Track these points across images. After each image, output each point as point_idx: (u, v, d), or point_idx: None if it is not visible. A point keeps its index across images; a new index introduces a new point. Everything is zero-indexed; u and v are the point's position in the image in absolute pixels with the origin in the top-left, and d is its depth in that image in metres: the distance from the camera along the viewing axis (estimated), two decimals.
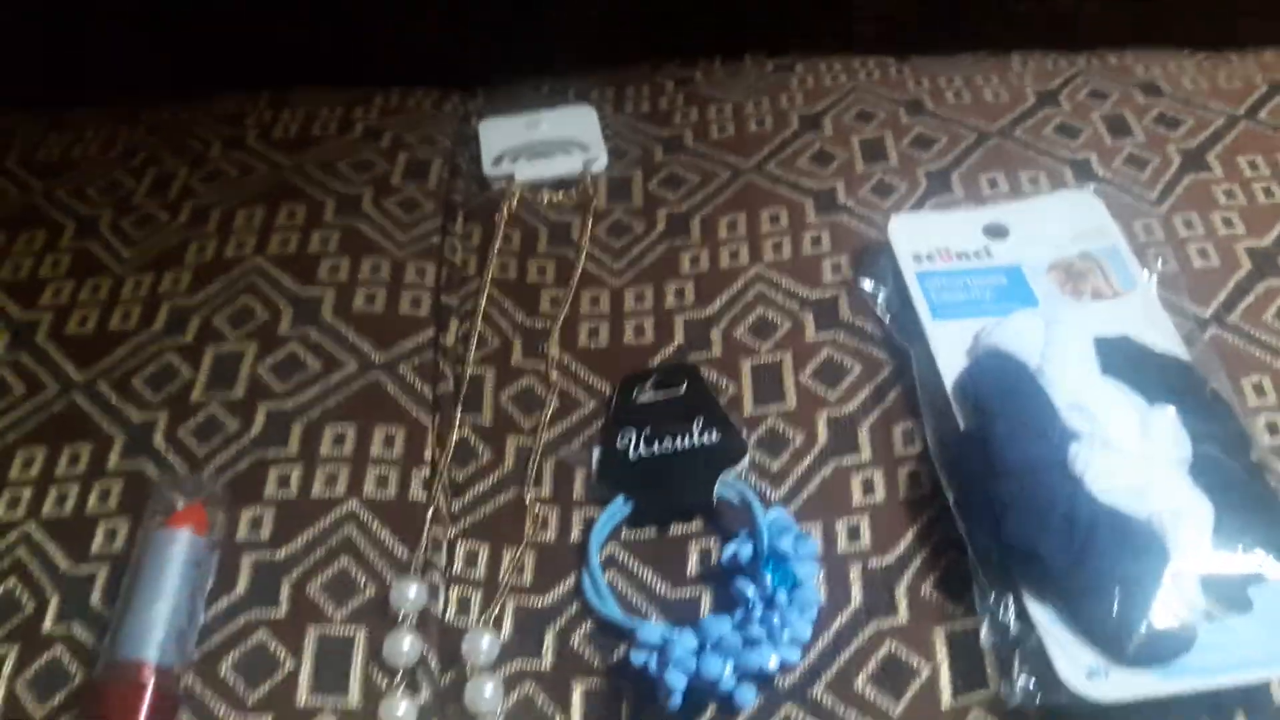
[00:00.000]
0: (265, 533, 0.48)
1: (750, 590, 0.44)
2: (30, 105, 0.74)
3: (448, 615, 0.47)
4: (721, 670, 0.42)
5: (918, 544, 0.47)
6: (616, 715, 0.44)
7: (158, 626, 0.44)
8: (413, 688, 0.44)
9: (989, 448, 0.45)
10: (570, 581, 0.48)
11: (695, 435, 0.50)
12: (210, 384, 0.54)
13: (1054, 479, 0.44)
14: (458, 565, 0.49)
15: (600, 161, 0.64)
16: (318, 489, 0.50)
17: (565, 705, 0.44)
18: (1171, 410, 0.46)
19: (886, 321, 0.53)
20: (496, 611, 0.47)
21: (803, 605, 0.44)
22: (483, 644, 0.45)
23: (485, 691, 0.44)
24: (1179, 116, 0.65)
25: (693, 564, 0.48)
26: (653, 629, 0.43)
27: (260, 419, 0.52)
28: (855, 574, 0.46)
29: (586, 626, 0.46)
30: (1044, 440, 0.45)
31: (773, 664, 0.42)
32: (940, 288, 0.53)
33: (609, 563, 0.48)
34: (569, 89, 0.72)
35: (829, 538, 0.47)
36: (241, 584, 0.47)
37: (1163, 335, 0.50)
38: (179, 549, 0.46)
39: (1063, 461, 0.45)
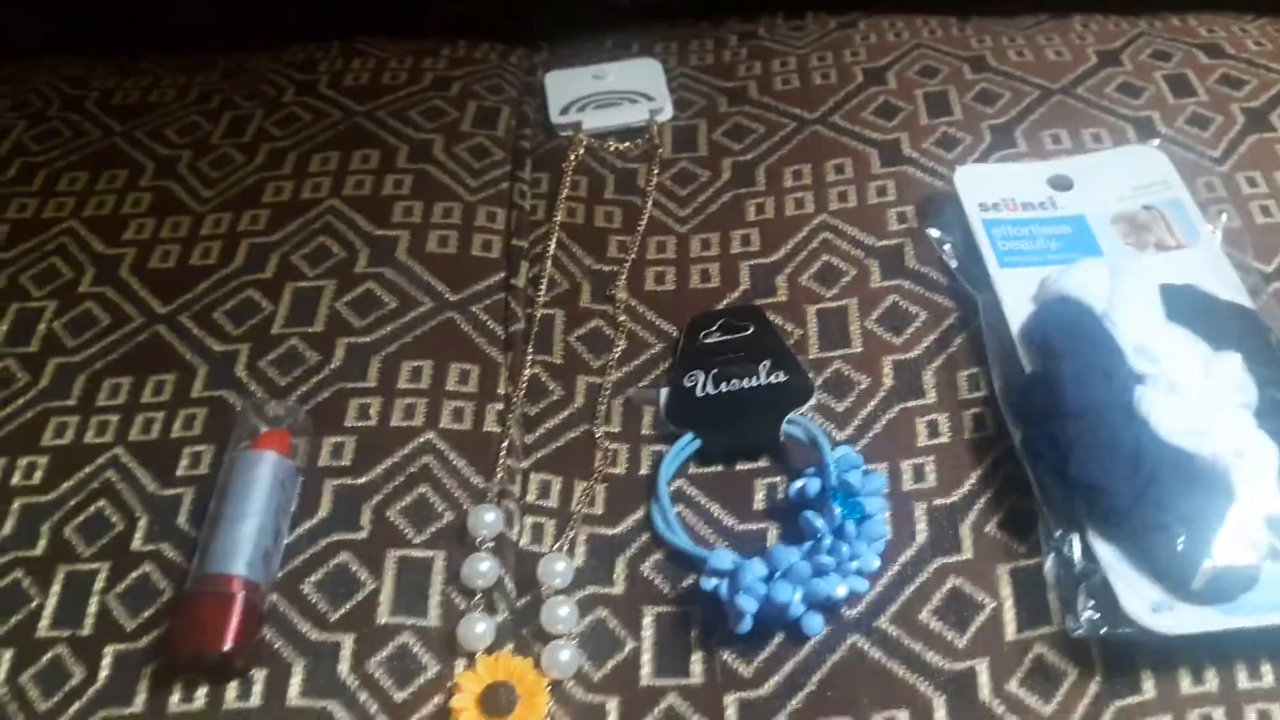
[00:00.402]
0: (346, 460, 0.50)
1: (819, 522, 0.45)
2: (106, 52, 0.76)
3: (522, 542, 0.49)
4: (791, 596, 0.43)
5: (982, 485, 0.48)
6: (685, 640, 0.45)
7: (246, 542, 0.45)
8: (490, 609, 0.46)
9: (1055, 389, 0.46)
10: (640, 514, 0.49)
11: (763, 376, 0.51)
12: (290, 319, 0.55)
13: (1119, 419, 0.45)
14: (531, 495, 0.50)
15: (665, 112, 0.65)
16: (396, 419, 0.51)
17: (636, 629, 0.46)
18: (1237, 356, 0.47)
19: (953, 267, 0.54)
20: (569, 540, 0.48)
21: (870, 537, 0.45)
22: (558, 568, 0.46)
23: (561, 612, 0.45)
24: (1242, 77, 0.65)
25: (759, 500, 0.49)
26: (724, 555, 0.44)
27: (340, 352, 0.54)
28: (920, 512, 0.47)
29: (656, 556, 0.48)
30: (1110, 382, 0.46)
31: (841, 592, 0.43)
32: (1006, 236, 0.54)
33: (677, 497, 0.49)
34: (632, 44, 0.73)
35: (894, 478, 0.48)
36: (324, 508, 0.49)
37: (1227, 286, 0.51)
38: (265, 469, 0.47)
39: (1128, 403, 0.45)
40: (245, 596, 0.44)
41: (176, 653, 0.44)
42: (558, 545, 0.48)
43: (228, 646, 0.43)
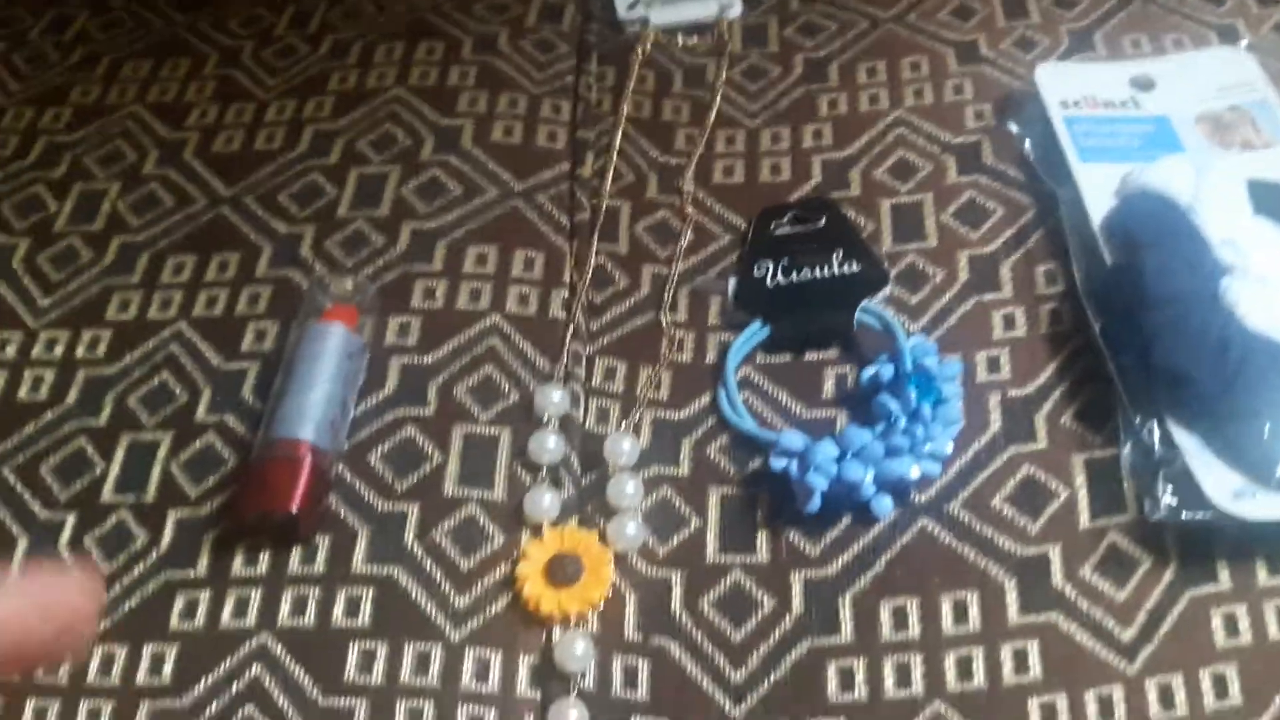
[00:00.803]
0: (412, 339, 0.50)
1: (894, 404, 0.44)
2: None
3: (588, 424, 0.48)
4: (863, 475, 0.42)
5: (1058, 377, 0.47)
6: (751, 520, 0.45)
7: (313, 409, 0.45)
8: (555, 484, 0.46)
9: (1140, 280, 0.45)
10: (706, 399, 0.48)
11: (835, 265, 0.50)
12: (355, 202, 0.55)
13: (1206, 309, 0.44)
14: (597, 378, 0.50)
15: (735, 8, 0.63)
16: (462, 302, 0.51)
17: (701, 508, 0.45)
18: None
19: (1033, 160, 0.53)
20: (635, 421, 0.48)
21: (945, 421, 0.44)
22: (624, 446, 0.46)
23: (628, 486, 0.45)
24: None
25: (828, 388, 0.48)
26: (795, 435, 0.44)
27: (405, 236, 0.53)
28: (994, 403, 0.46)
29: (722, 440, 0.47)
30: (1196, 273, 0.45)
31: (914, 474, 0.43)
32: (1087, 133, 0.53)
33: (743, 384, 0.49)
34: None
35: (968, 369, 0.47)
36: (390, 384, 0.49)
37: None
38: (334, 340, 0.47)
39: (1214, 294, 0.44)
40: (312, 460, 0.44)
41: (243, 516, 0.44)
42: (624, 426, 0.47)
43: (294, 508, 0.43)
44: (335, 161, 0.57)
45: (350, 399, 0.47)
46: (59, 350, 0.51)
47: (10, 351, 0.51)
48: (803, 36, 0.62)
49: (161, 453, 0.48)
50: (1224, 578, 0.41)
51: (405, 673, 0.41)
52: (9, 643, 0.30)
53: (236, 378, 0.50)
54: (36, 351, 0.51)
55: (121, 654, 0.43)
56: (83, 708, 0.41)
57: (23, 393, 0.50)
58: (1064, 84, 0.55)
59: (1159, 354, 0.43)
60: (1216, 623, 0.40)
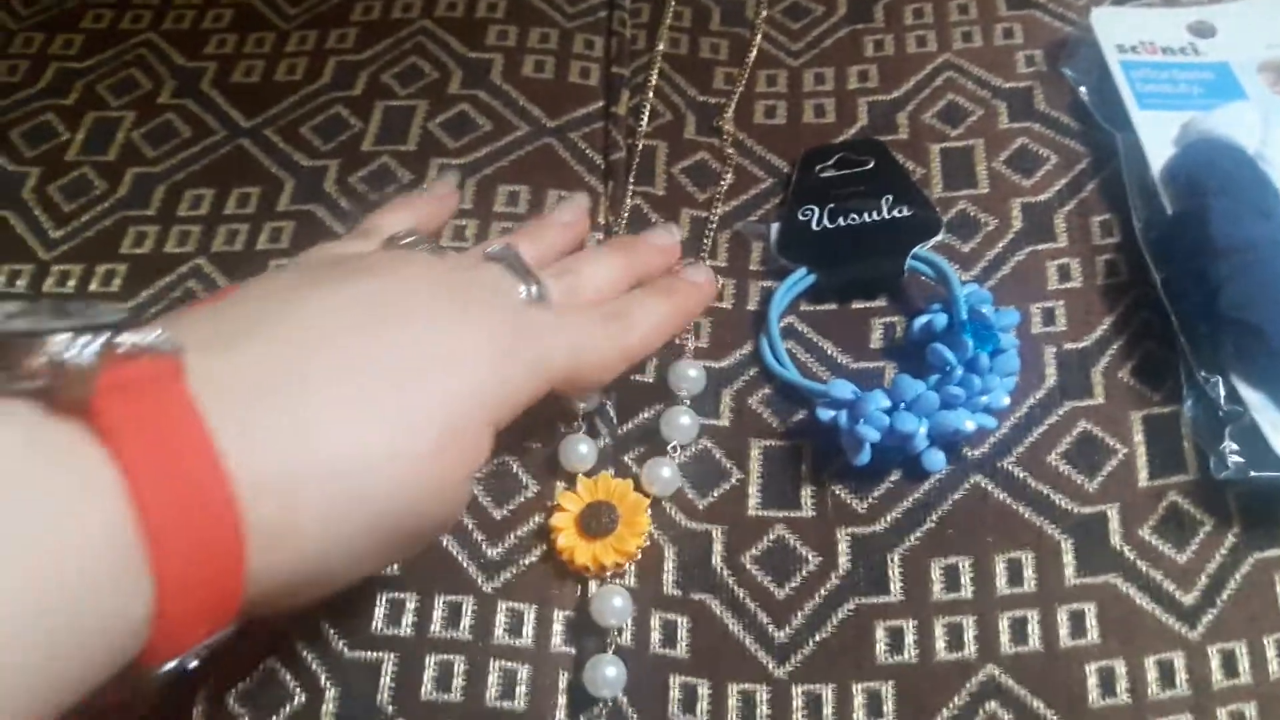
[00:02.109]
0: None
1: (949, 354, 0.42)
2: None
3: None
4: (916, 427, 0.41)
5: (1115, 331, 0.45)
6: (795, 473, 0.43)
7: None
8: (591, 433, 0.44)
9: (1205, 228, 0.43)
10: (747, 348, 0.46)
11: (885, 210, 0.48)
12: (381, 137, 0.53)
13: (1276, 256, 0.42)
14: None
15: None
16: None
17: (743, 461, 0.44)
18: None
19: (1089, 104, 0.50)
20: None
21: (1003, 371, 0.42)
22: (691, 373, 0.45)
23: (683, 420, 0.43)
24: None
25: (875, 338, 0.46)
26: (844, 385, 0.42)
27: (433, 173, 0.51)
28: (1050, 356, 0.44)
29: (764, 391, 0.45)
30: (1267, 220, 0.43)
31: (969, 426, 0.41)
32: (1145, 79, 0.50)
33: (787, 333, 0.47)
34: None
35: (1022, 320, 0.45)
36: None
37: None
38: None
39: None
40: None
41: None
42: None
43: None
44: (359, 93, 0.54)
45: None
46: (72, 284, 0.49)
47: (21, 285, 0.49)
48: None
49: None
50: None
51: (435, 625, 0.40)
52: None
53: None
54: (48, 285, 0.49)
55: None
56: None
57: None
58: (1121, 28, 0.53)
59: (1226, 305, 0.41)
60: None
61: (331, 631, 0.40)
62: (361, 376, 0.31)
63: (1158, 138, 0.48)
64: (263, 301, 0.33)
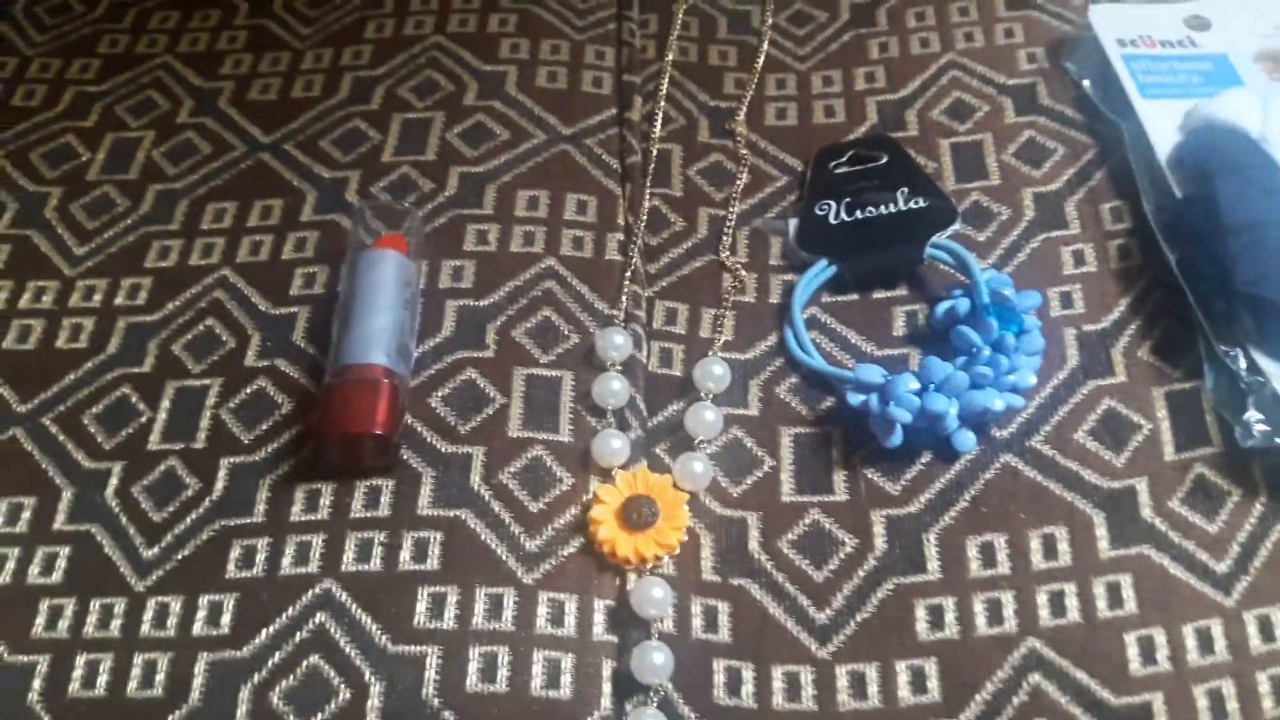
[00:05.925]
0: (467, 282, 0.48)
1: (975, 335, 0.43)
2: None
3: (651, 365, 0.47)
4: (947, 406, 0.41)
5: (1131, 312, 0.46)
6: (826, 459, 0.44)
7: (383, 334, 0.44)
8: (622, 427, 0.44)
9: (1215, 208, 0.44)
10: (771, 340, 0.47)
11: (901, 202, 0.49)
12: (400, 148, 0.53)
13: None
14: (658, 321, 0.48)
15: None
16: (516, 245, 0.50)
17: (774, 448, 0.44)
18: None
19: (1092, 96, 0.52)
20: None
21: (1029, 350, 0.43)
22: (716, 371, 0.45)
23: (707, 416, 0.44)
24: None
25: (898, 325, 0.47)
26: (873, 369, 0.43)
27: (454, 180, 0.52)
28: (1070, 338, 0.45)
29: (791, 380, 0.46)
30: (1273, 197, 0.44)
31: (998, 405, 0.42)
32: (1146, 70, 0.52)
33: (810, 324, 0.47)
34: None
35: (1041, 304, 0.46)
36: (447, 326, 0.47)
37: None
38: (390, 266, 0.46)
39: None
40: (390, 383, 0.43)
41: (328, 439, 0.42)
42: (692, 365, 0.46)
43: (380, 430, 0.42)
44: (377, 107, 0.55)
45: (414, 323, 0.46)
46: (98, 298, 0.50)
47: (47, 300, 0.50)
48: None
49: (210, 399, 0.46)
50: None
51: (478, 618, 0.40)
52: None
53: (286, 322, 0.48)
54: (74, 300, 0.50)
55: (176, 605, 0.41)
56: (138, 660, 0.40)
57: (61, 341, 0.48)
58: (1120, 23, 0.54)
59: (1240, 280, 0.42)
60: None
61: (374, 627, 0.40)
62: None
63: (1162, 125, 0.49)
64: None
